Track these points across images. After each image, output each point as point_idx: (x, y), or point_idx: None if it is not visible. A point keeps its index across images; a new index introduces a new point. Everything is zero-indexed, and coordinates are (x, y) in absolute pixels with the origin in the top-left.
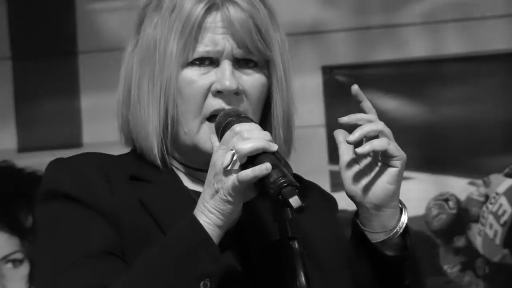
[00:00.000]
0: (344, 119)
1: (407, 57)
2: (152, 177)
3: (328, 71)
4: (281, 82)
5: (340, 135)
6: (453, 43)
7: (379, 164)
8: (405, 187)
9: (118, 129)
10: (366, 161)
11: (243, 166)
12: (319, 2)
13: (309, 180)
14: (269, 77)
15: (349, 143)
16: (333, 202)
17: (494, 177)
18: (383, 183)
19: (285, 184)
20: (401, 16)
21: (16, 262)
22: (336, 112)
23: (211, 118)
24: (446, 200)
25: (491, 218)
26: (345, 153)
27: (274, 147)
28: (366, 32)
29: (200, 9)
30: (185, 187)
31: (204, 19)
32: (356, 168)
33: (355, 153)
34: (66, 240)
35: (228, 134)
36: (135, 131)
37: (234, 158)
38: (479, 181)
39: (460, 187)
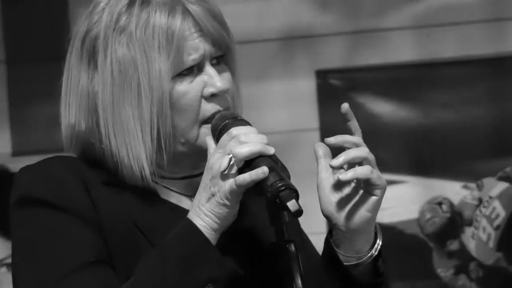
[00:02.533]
0: (331, 140)
1: (400, 61)
2: (124, 185)
3: (322, 75)
4: (237, 71)
5: (320, 150)
6: (446, 47)
7: (360, 191)
8: (398, 191)
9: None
10: (346, 185)
11: (240, 170)
12: (313, 7)
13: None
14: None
15: (332, 167)
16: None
17: (487, 181)
18: (362, 210)
19: (283, 188)
20: (393, 20)
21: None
22: (329, 116)
23: (207, 120)
24: (440, 204)
25: (484, 222)
26: (324, 170)
27: (271, 150)
28: (359, 36)
29: (177, 20)
30: (160, 197)
31: (182, 29)
32: (335, 190)
33: (337, 179)
34: (50, 252)
35: (225, 137)
36: (113, 160)
37: (231, 162)
38: (473, 185)
39: (453, 190)
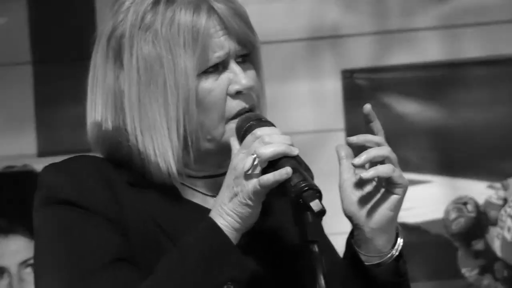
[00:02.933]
0: (353, 139)
1: (426, 60)
2: (149, 185)
3: (348, 75)
4: (263, 70)
5: (342, 151)
6: (472, 47)
7: (381, 189)
8: (423, 191)
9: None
10: (368, 184)
11: (264, 170)
12: (339, 7)
13: (329, 191)
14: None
15: (354, 166)
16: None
17: None
18: (384, 209)
19: (306, 188)
20: (420, 20)
21: None
22: (355, 116)
23: (233, 117)
24: (465, 204)
25: (509, 222)
26: (346, 170)
27: (295, 151)
28: (385, 36)
29: (202, 18)
30: (183, 197)
31: (208, 26)
32: (356, 189)
33: (359, 178)
34: (73, 251)
35: (249, 138)
36: (140, 158)
37: (255, 163)
38: (498, 185)
39: (478, 190)
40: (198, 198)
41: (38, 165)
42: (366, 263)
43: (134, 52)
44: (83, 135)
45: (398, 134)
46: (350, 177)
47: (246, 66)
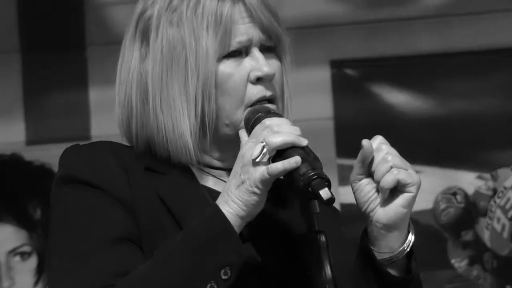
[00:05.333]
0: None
1: (416, 51)
2: (166, 170)
3: (337, 65)
4: (289, 65)
5: (360, 155)
6: (462, 37)
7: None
8: None
9: (124, 137)
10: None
11: (272, 159)
12: None
13: None
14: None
15: (384, 188)
16: (338, 213)
17: (502, 171)
18: (397, 206)
19: (315, 177)
20: (410, 10)
21: (25, 255)
22: (344, 105)
23: (253, 104)
24: (454, 194)
25: (499, 212)
26: (358, 166)
27: (304, 141)
28: (375, 25)
29: (227, 3)
30: (198, 182)
31: (231, 12)
32: (370, 187)
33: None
34: (84, 226)
35: (258, 128)
36: (160, 135)
37: (264, 151)
38: (487, 175)
39: (468, 181)
40: (214, 184)
41: (27, 153)
42: (378, 259)
43: (159, 33)
44: (71, 123)
45: (387, 124)
46: (362, 172)
47: (271, 56)
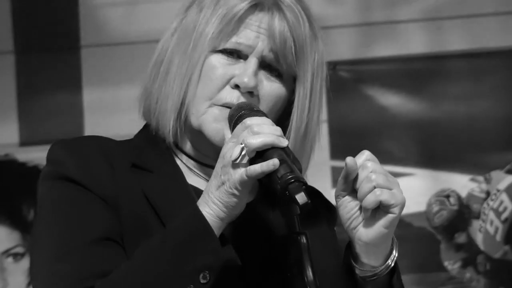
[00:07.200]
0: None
1: (410, 53)
2: (154, 167)
3: (331, 67)
4: (303, 102)
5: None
6: (456, 40)
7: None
8: (406, 184)
9: (139, 101)
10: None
11: (252, 160)
12: None
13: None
14: (292, 93)
15: (366, 208)
16: (334, 211)
17: (495, 174)
18: (379, 226)
19: (292, 180)
20: (404, 12)
21: (17, 256)
22: (338, 107)
23: (219, 105)
24: (447, 197)
25: (492, 215)
26: (344, 189)
27: (284, 142)
28: (369, 28)
29: (245, 3)
30: (186, 181)
31: (247, 15)
32: (353, 204)
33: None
34: (65, 224)
35: (239, 127)
36: (155, 105)
37: (243, 152)
38: (481, 178)
39: (461, 183)
40: (201, 184)
41: (20, 154)
42: (360, 276)
43: (185, 18)
44: (65, 124)
45: (381, 126)
46: (346, 188)
47: (272, 79)
